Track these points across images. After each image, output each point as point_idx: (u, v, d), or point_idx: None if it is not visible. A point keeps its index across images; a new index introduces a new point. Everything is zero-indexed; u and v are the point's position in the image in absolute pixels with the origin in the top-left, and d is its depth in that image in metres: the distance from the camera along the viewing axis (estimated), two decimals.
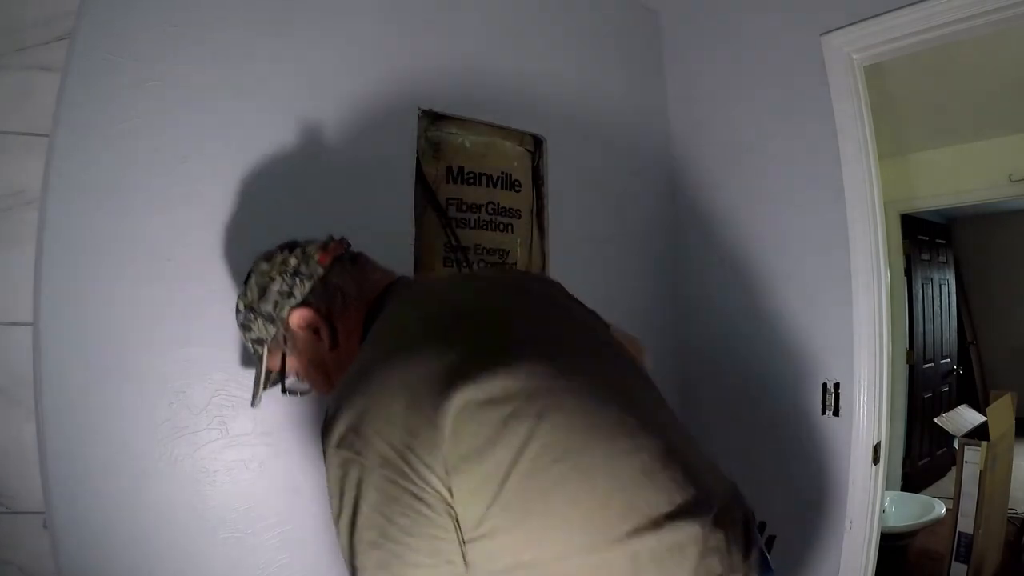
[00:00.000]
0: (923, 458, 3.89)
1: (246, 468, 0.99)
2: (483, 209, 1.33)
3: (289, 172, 1.07)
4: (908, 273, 3.82)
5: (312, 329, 0.77)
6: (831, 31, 1.43)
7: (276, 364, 0.81)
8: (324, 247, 0.80)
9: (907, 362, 3.78)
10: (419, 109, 1.24)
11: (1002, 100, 2.60)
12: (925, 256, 4.02)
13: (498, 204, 1.36)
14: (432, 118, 1.27)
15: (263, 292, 0.78)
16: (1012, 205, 4.04)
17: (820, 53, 1.45)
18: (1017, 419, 2.79)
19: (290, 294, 0.76)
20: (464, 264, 1.28)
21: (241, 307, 0.81)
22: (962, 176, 3.29)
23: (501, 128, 1.38)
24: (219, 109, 1.00)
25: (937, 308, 4.18)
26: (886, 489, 1.75)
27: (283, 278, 0.77)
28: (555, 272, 1.44)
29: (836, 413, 1.41)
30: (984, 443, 2.34)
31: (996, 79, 2.36)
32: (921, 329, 3.91)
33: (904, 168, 3.44)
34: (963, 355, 4.75)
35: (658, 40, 1.80)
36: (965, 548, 2.33)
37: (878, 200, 1.43)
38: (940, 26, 1.29)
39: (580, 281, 1.49)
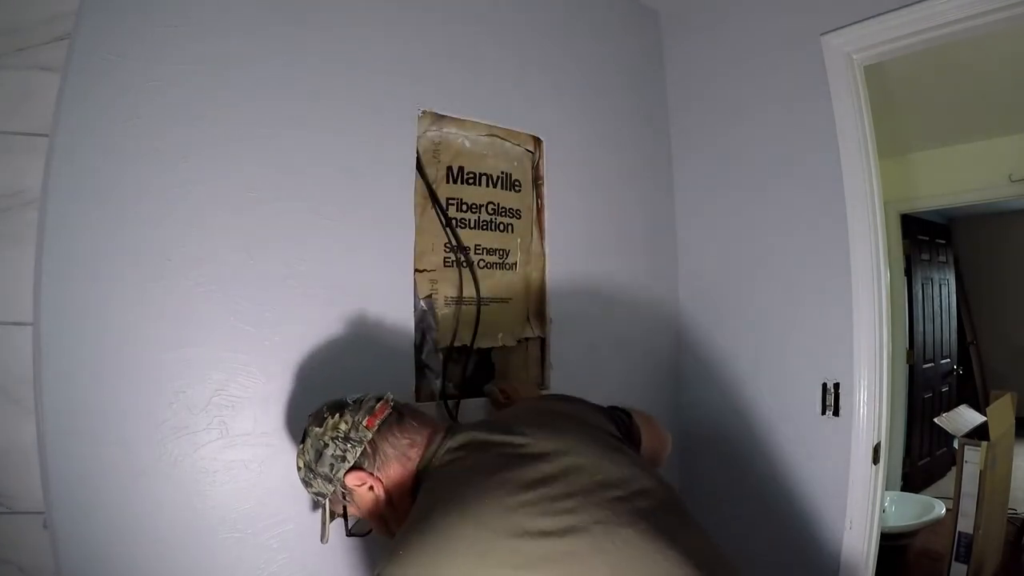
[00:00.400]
0: (923, 458, 3.89)
1: (246, 468, 0.99)
2: (483, 209, 1.33)
3: (289, 172, 1.07)
4: (908, 273, 3.82)
5: (367, 487, 0.83)
6: (831, 31, 1.43)
7: (339, 510, 0.88)
8: (371, 411, 0.85)
9: (907, 362, 3.78)
10: (419, 109, 1.24)
11: (1002, 100, 2.60)
12: (925, 256, 4.02)
13: (498, 204, 1.36)
14: (432, 118, 1.27)
15: (319, 455, 0.84)
16: (1012, 205, 4.05)
17: (820, 53, 1.45)
18: (1017, 419, 2.79)
19: (343, 458, 0.82)
20: (465, 264, 1.28)
21: (301, 465, 0.87)
22: (962, 176, 3.29)
23: (501, 128, 1.38)
24: (218, 109, 1.00)
25: (937, 308, 4.18)
26: (886, 489, 1.75)
27: (335, 443, 0.83)
28: (555, 272, 1.44)
29: (836, 413, 1.41)
30: (984, 443, 2.34)
31: (996, 79, 2.36)
32: (921, 329, 3.91)
33: (904, 168, 3.45)
34: (963, 355, 4.75)
35: (658, 40, 1.80)
36: (965, 548, 2.33)
37: (878, 200, 1.43)
38: (940, 26, 1.29)
39: (580, 281, 1.50)
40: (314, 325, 1.08)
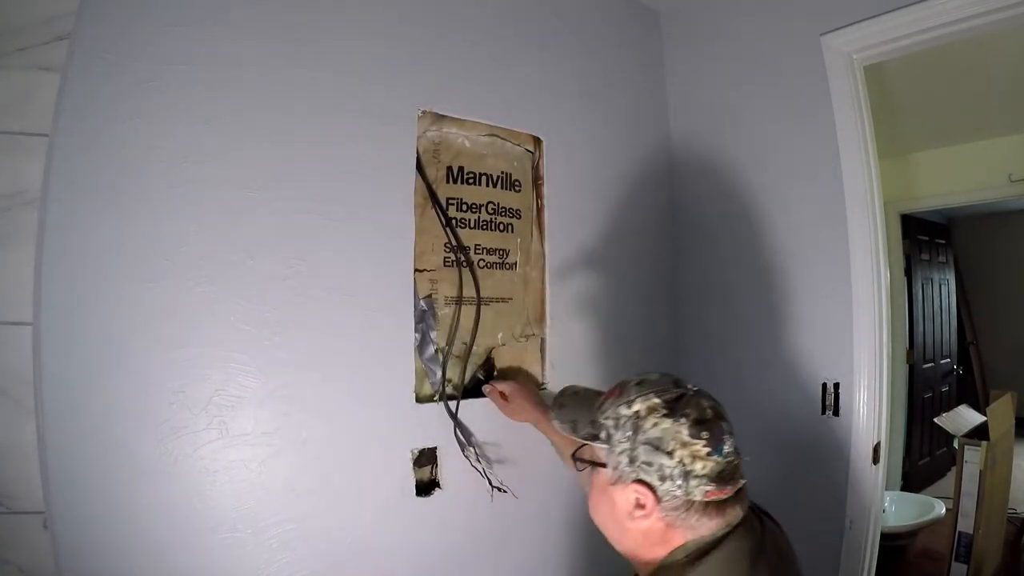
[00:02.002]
0: (923, 458, 3.89)
1: (246, 468, 0.99)
2: (483, 209, 1.33)
3: (289, 172, 1.07)
4: (908, 273, 3.82)
5: (637, 504, 0.75)
6: (831, 31, 1.43)
7: (585, 457, 0.82)
8: (721, 482, 0.72)
9: (907, 362, 3.78)
10: (419, 109, 1.24)
11: (1002, 100, 2.60)
12: (925, 256, 4.02)
13: (498, 204, 1.36)
14: (432, 118, 1.27)
15: (653, 447, 0.73)
16: (1012, 205, 4.05)
17: (820, 53, 1.45)
18: (1017, 419, 2.79)
19: (664, 477, 0.72)
20: (464, 264, 1.28)
21: (622, 412, 0.76)
22: (962, 176, 3.30)
23: (501, 128, 1.38)
24: (219, 108, 1.00)
25: (937, 308, 4.18)
26: (886, 489, 1.75)
27: (677, 465, 0.72)
28: (555, 272, 1.44)
29: (836, 413, 1.41)
30: (984, 443, 2.34)
31: (996, 79, 2.37)
32: (921, 329, 3.91)
33: (904, 168, 3.45)
34: (963, 355, 4.75)
35: (658, 40, 1.80)
36: (965, 548, 2.33)
37: (878, 200, 1.43)
38: (940, 26, 1.29)
39: (580, 281, 1.50)
40: (314, 325, 1.08)
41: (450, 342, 1.25)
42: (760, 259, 1.58)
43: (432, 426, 1.21)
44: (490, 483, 1.23)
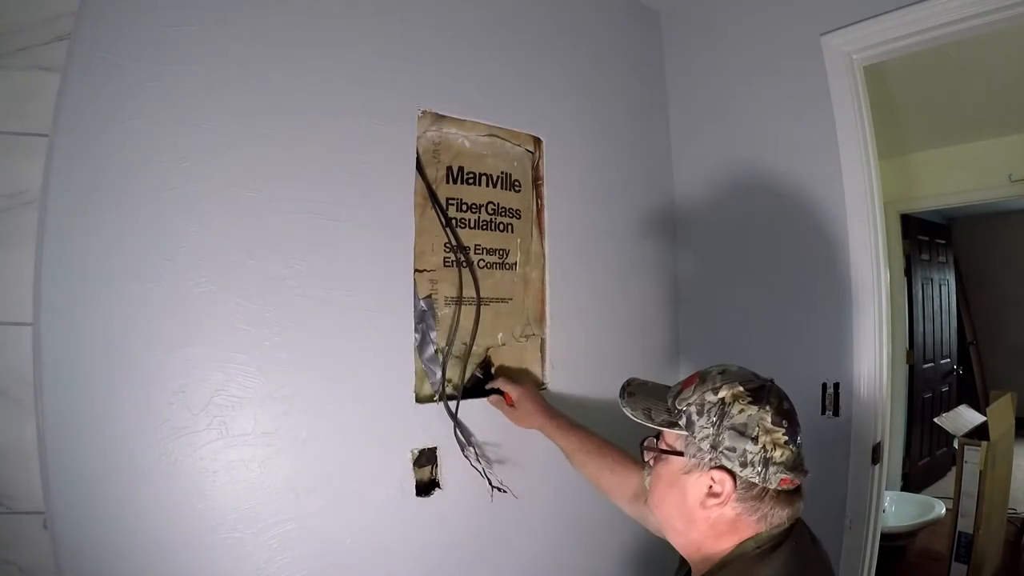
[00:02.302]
0: (923, 458, 3.89)
1: (246, 468, 0.99)
2: (483, 209, 1.33)
3: (289, 172, 1.07)
4: (908, 273, 3.82)
5: (711, 492, 0.75)
6: (831, 31, 1.43)
7: (653, 447, 0.83)
8: (795, 471, 0.75)
9: (907, 362, 3.78)
10: (419, 109, 1.24)
11: (1002, 100, 2.60)
12: (925, 256, 4.02)
13: (498, 204, 1.36)
14: (432, 118, 1.27)
15: (738, 432, 0.74)
16: (1012, 205, 4.05)
17: (820, 53, 1.45)
18: (1017, 419, 2.80)
19: (746, 463, 0.73)
20: (465, 264, 1.28)
21: (708, 399, 0.77)
22: (962, 176, 3.30)
23: (501, 128, 1.38)
24: (218, 109, 1.00)
25: (937, 308, 4.18)
26: (886, 489, 1.75)
27: (760, 451, 0.73)
28: (555, 272, 1.44)
29: (836, 413, 1.41)
30: (984, 443, 2.34)
31: (996, 79, 2.36)
32: (921, 329, 3.91)
33: (904, 168, 3.45)
34: (963, 355, 4.75)
35: (658, 40, 1.80)
36: (965, 548, 2.33)
37: (878, 200, 1.43)
38: (940, 26, 1.29)
39: (580, 281, 1.50)
40: (314, 325, 1.07)
41: (450, 342, 1.25)
42: (760, 258, 1.58)
43: (432, 426, 1.21)
44: (490, 483, 1.23)
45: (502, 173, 1.37)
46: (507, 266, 1.37)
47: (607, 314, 1.57)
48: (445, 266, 1.27)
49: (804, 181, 1.49)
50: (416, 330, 1.21)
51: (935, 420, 2.89)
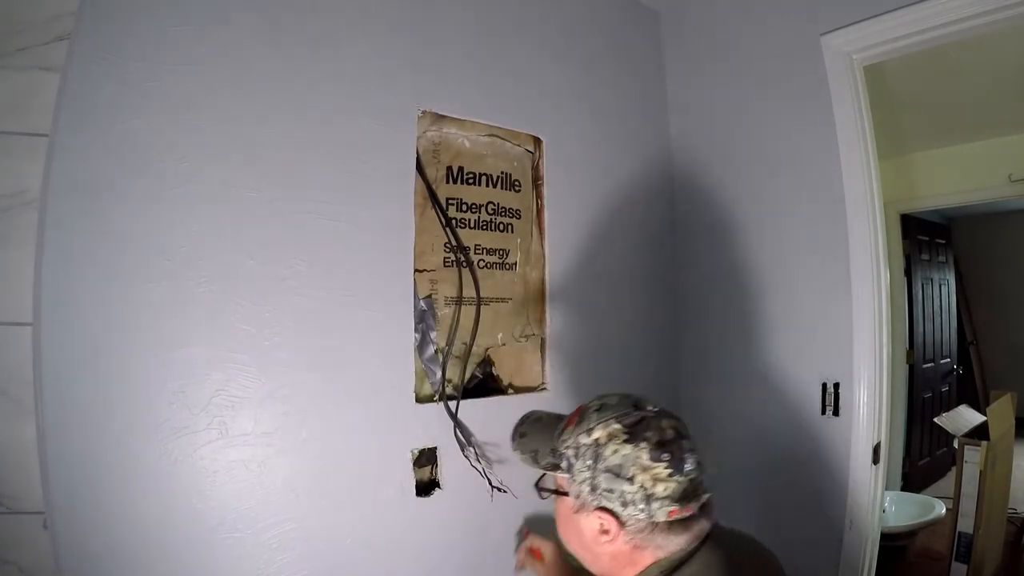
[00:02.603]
0: (923, 458, 3.89)
1: (246, 468, 0.99)
2: (483, 209, 1.33)
3: (289, 172, 1.07)
4: (908, 273, 3.81)
5: (602, 530, 0.75)
6: (831, 31, 1.43)
7: (551, 484, 0.82)
8: (684, 501, 0.72)
9: (907, 362, 3.78)
10: (419, 109, 1.24)
11: (1002, 100, 2.60)
12: (925, 256, 4.02)
13: (498, 204, 1.36)
14: (432, 118, 1.27)
15: (613, 474, 0.73)
16: (1012, 205, 4.05)
17: (820, 53, 1.45)
18: (1017, 419, 2.79)
19: (626, 503, 0.72)
20: (464, 264, 1.28)
21: (582, 442, 0.76)
22: (962, 176, 3.29)
23: (501, 128, 1.38)
24: (219, 109, 1.00)
25: (937, 308, 4.18)
26: (886, 489, 1.75)
27: (638, 490, 0.71)
28: (555, 272, 1.44)
29: (836, 413, 1.41)
30: (984, 443, 2.34)
31: (996, 79, 2.36)
32: (921, 329, 3.91)
33: (904, 168, 3.45)
34: (963, 355, 4.75)
35: (658, 40, 1.80)
36: (965, 548, 2.33)
37: (878, 200, 1.43)
38: (940, 26, 1.29)
39: (580, 281, 1.50)
40: (314, 325, 1.08)
41: (450, 342, 1.25)
42: (760, 259, 1.58)
43: (432, 426, 1.21)
44: (490, 483, 1.24)
45: (502, 173, 1.37)
46: (507, 266, 1.37)
47: (607, 314, 1.57)
48: (445, 266, 1.27)
49: (804, 181, 1.49)
50: (416, 330, 1.21)
51: (935, 420, 2.89)
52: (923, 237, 4.01)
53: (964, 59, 2.14)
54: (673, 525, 0.73)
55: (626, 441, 0.73)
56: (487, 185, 1.34)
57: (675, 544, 0.73)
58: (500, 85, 1.38)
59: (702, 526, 0.75)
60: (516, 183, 1.40)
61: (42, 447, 0.87)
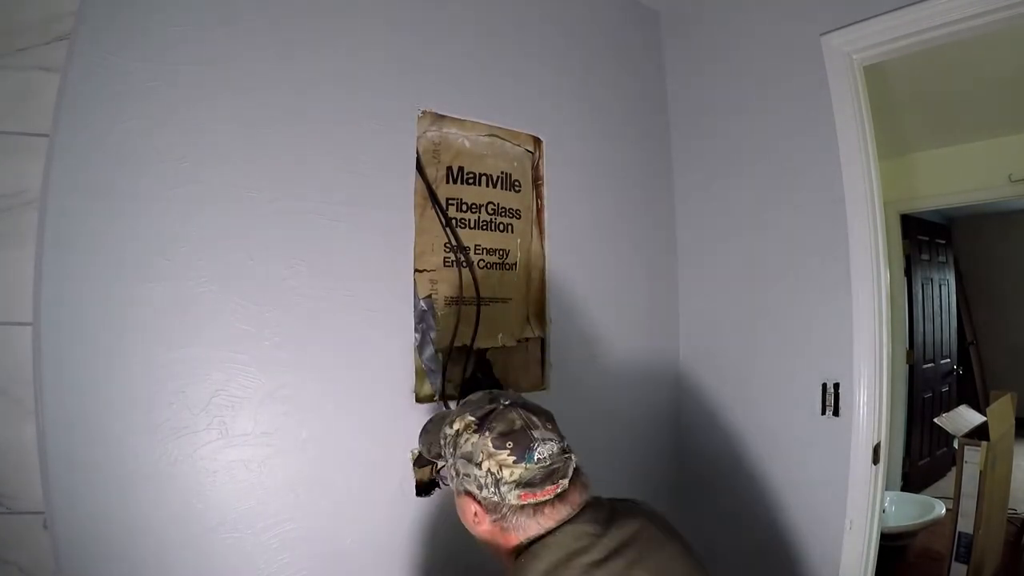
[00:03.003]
0: (923, 458, 3.89)
1: (246, 468, 0.99)
2: (483, 209, 1.33)
3: (289, 172, 1.07)
4: (908, 273, 3.81)
5: (474, 512, 0.82)
6: (831, 31, 1.43)
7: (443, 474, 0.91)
8: (532, 487, 0.78)
9: (907, 362, 3.78)
10: (419, 109, 1.24)
11: (1002, 100, 2.59)
12: (925, 256, 4.02)
13: (498, 204, 1.36)
14: (432, 118, 1.27)
15: (467, 460, 0.81)
16: (1012, 205, 4.05)
17: (820, 53, 1.45)
18: (1017, 419, 2.79)
19: (480, 486, 0.80)
20: (464, 264, 1.28)
21: (447, 432, 0.85)
22: (962, 176, 3.29)
23: (501, 128, 1.38)
24: (219, 109, 1.00)
25: (937, 308, 4.18)
26: (886, 489, 1.75)
27: (487, 475, 0.79)
28: (555, 272, 1.44)
29: (836, 413, 1.41)
30: (984, 443, 2.34)
31: (996, 79, 2.36)
32: (921, 329, 3.91)
33: (904, 168, 3.45)
34: (963, 355, 4.75)
35: (658, 40, 1.80)
36: (965, 548, 2.33)
37: (878, 200, 1.43)
38: (940, 26, 1.29)
39: (580, 281, 1.50)
40: (314, 325, 1.08)
41: (451, 342, 1.25)
42: (760, 259, 1.58)
43: None
44: None
45: (502, 173, 1.37)
46: (507, 266, 1.37)
47: (607, 314, 1.57)
48: (445, 266, 1.27)
49: (804, 181, 1.49)
50: (416, 330, 1.21)
51: (935, 420, 2.89)
52: (923, 237, 4.01)
53: (964, 59, 2.14)
54: (526, 509, 0.79)
55: (475, 431, 0.82)
56: (487, 185, 1.34)
57: (533, 528, 0.79)
58: (500, 85, 1.38)
59: (561, 511, 0.80)
60: (516, 183, 1.40)
61: (42, 447, 0.87)
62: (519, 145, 1.42)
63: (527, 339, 1.40)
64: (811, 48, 1.46)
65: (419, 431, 1.03)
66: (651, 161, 1.73)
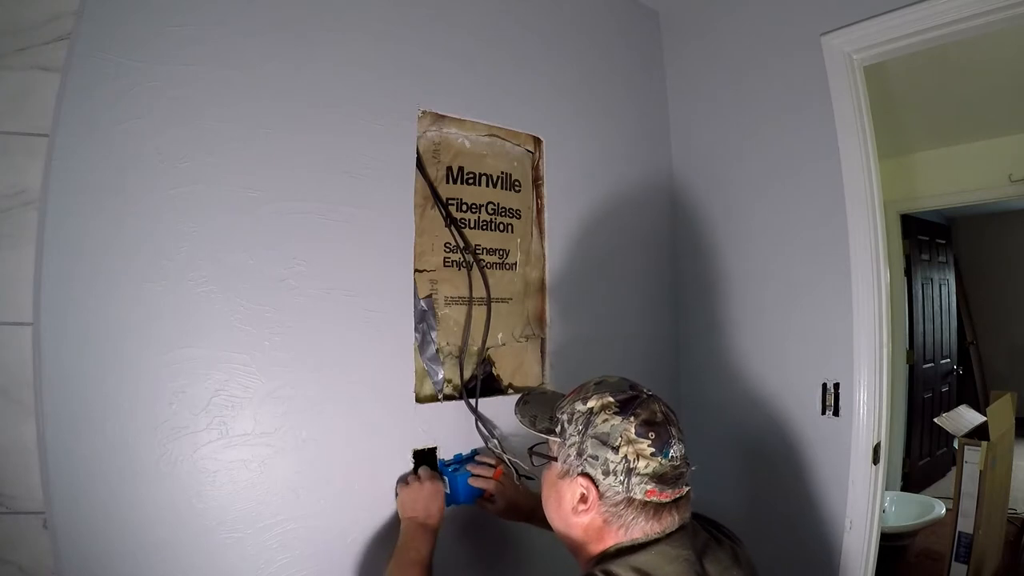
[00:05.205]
0: (923, 458, 3.89)
1: (246, 468, 0.99)
2: (483, 209, 1.33)
3: (289, 172, 1.07)
4: (908, 273, 3.82)
5: (581, 498, 0.77)
6: (831, 31, 1.43)
7: (544, 452, 0.86)
8: (662, 484, 0.74)
9: (907, 362, 3.78)
10: (419, 109, 1.24)
11: (1002, 100, 2.60)
12: (925, 256, 4.02)
13: (498, 204, 1.36)
14: (432, 118, 1.27)
15: (600, 441, 0.76)
16: (1012, 205, 4.05)
17: (820, 53, 1.45)
18: (1017, 419, 2.79)
19: (608, 472, 0.75)
20: (467, 265, 1.28)
21: (578, 408, 0.80)
22: (962, 176, 3.30)
23: (501, 128, 1.38)
24: (218, 109, 1.00)
25: (937, 308, 4.18)
26: (886, 489, 1.75)
27: (622, 461, 0.74)
28: (555, 272, 1.44)
29: (836, 413, 1.41)
30: (984, 443, 2.34)
31: (996, 79, 2.37)
32: (921, 329, 3.91)
33: (904, 168, 3.45)
34: (963, 355, 4.75)
35: (658, 40, 1.80)
36: (965, 548, 2.33)
37: (878, 200, 1.43)
38: (940, 26, 1.29)
39: (580, 282, 1.50)
40: (314, 325, 1.08)
41: (465, 341, 1.25)
42: (760, 259, 1.58)
43: (432, 426, 1.21)
44: (517, 473, 1.21)
45: (502, 173, 1.37)
46: (507, 266, 1.37)
47: (607, 314, 1.57)
48: (445, 266, 1.27)
49: (804, 181, 1.49)
50: (416, 330, 1.21)
51: (935, 420, 2.89)
52: (923, 237, 4.01)
53: (964, 59, 2.15)
54: (647, 507, 0.75)
55: (616, 413, 0.77)
56: (487, 185, 1.34)
57: (640, 530, 0.75)
58: (500, 85, 1.38)
59: (672, 520, 0.77)
60: (516, 183, 1.40)
61: (42, 447, 0.86)
62: (519, 145, 1.42)
63: (527, 339, 1.40)
64: (811, 48, 1.46)
65: (517, 401, 0.96)
66: (651, 160, 1.73)
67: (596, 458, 0.76)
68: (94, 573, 0.88)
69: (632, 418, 0.76)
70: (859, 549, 1.37)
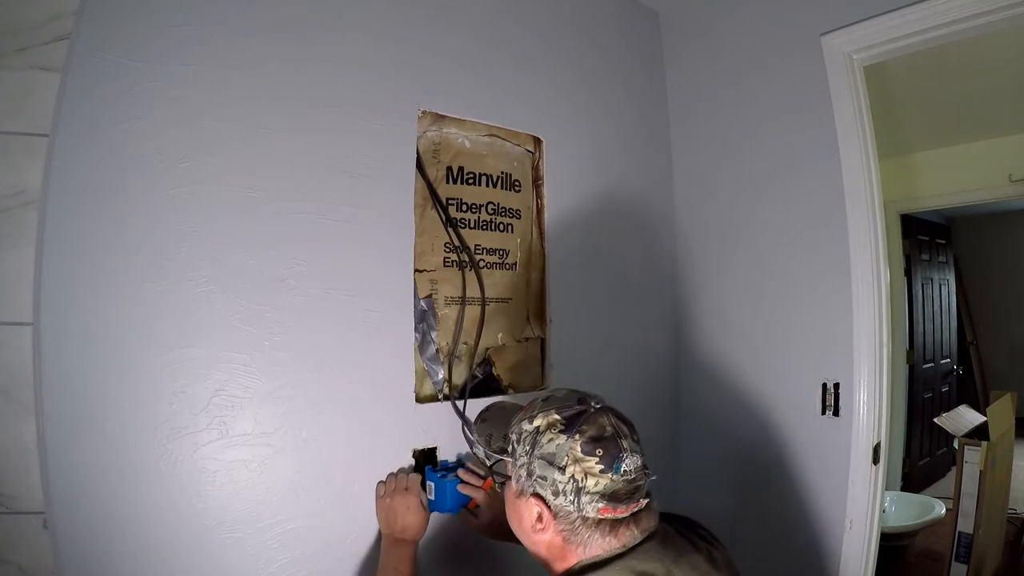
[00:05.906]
0: (923, 458, 3.89)
1: (246, 468, 0.99)
2: (483, 209, 1.33)
3: (289, 172, 1.07)
4: (908, 273, 3.82)
5: (538, 516, 0.77)
6: (831, 31, 1.43)
7: (498, 470, 0.87)
8: (615, 501, 0.73)
9: (907, 362, 3.78)
10: (419, 109, 1.24)
11: (1002, 100, 2.60)
12: (925, 256, 4.02)
13: (498, 204, 1.36)
14: (432, 118, 1.27)
15: (546, 461, 0.75)
16: (1012, 205, 4.05)
17: (820, 53, 1.45)
18: (1017, 419, 2.79)
19: (557, 492, 0.74)
20: (466, 265, 1.28)
21: (524, 428, 0.79)
22: (962, 176, 3.30)
23: (501, 128, 1.38)
24: (218, 109, 1.00)
25: (937, 308, 4.18)
26: (886, 489, 1.75)
27: (569, 481, 0.73)
28: (555, 272, 1.44)
29: (836, 413, 1.41)
30: (984, 443, 2.34)
31: (996, 79, 2.37)
32: (921, 329, 3.91)
33: (904, 168, 3.45)
34: (963, 355, 4.75)
35: (658, 40, 1.80)
36: (965, 548, 2.33)
37: (878, 200, 1.43)
38: (940, 26, 1.29)
39: (580, 281, 1.50)
40: (314, 325, 1.08)
41: (455, 342, 1.25)
42: (760, 259, 1.58)
43: (432, 426, 1.21)
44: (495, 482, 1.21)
45: (502, 173, 1.37)
46: (507, 266, 1.37)
47: (607, 314, 1.57)
48: (445, 266, 1.27)
49: (804, 181, 1.49)
50: (416, 330, 1.21)
51: (935, 420, 2.89)
52: (923, 237, 4.01)
53: (964, 59, 2.15)
54: (601, 524, 0.73)
55: (562, 431, 0.75)
56: (487, 185, 1.34)
57: (599, 547, 0.74)
58: (500, 85, 1.38)
59: (632, 534, 0.75)
60: (516, 183, 1.40)
61: (42, 447, 0.86)
62: (519, 145, 1.42)
63: (527, 339, 1.40)
64: (811, 48, 1.46)
65: (475, 418, 0.95)
66: (651, 160, 1.73)
67: (545, 479, 0.75)
68: (94, 573, 0.88)
69: (578, 436, 0.74)
70: (859, 549, 1.37)
